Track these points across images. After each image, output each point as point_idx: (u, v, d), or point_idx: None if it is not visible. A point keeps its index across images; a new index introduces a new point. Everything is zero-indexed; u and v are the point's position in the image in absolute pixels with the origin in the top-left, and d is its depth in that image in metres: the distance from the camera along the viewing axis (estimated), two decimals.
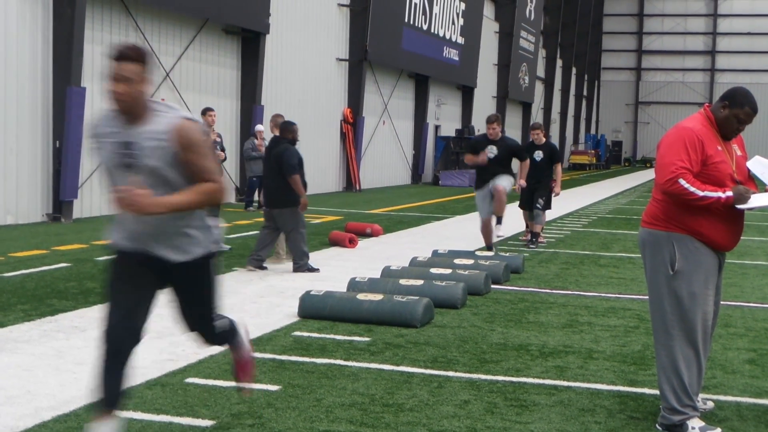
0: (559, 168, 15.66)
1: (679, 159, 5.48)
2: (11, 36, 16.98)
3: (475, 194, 14.38)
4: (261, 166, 21.44)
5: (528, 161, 14.88)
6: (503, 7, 52.42)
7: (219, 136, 13.86)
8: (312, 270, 12.01)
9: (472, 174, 39.14)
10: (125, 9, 20.13)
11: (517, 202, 15.98)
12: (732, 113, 5.61)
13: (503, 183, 13.71)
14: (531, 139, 15.76)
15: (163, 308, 9.21)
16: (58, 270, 11.57)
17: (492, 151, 13.76)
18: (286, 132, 12.06)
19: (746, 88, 5.72)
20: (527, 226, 16.16)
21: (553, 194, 15.62)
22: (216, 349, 7.42)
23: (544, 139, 15.63)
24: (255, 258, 12.12)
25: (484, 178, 13.96)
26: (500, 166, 13.84)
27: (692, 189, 5.43)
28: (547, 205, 15.57)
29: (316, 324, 8.55)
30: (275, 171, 11.86)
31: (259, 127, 22.11)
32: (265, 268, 12.10)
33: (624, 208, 26.91)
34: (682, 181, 5.43)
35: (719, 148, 5.60)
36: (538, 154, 15.44)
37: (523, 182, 15.22)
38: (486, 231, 14.22)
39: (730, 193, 5.45)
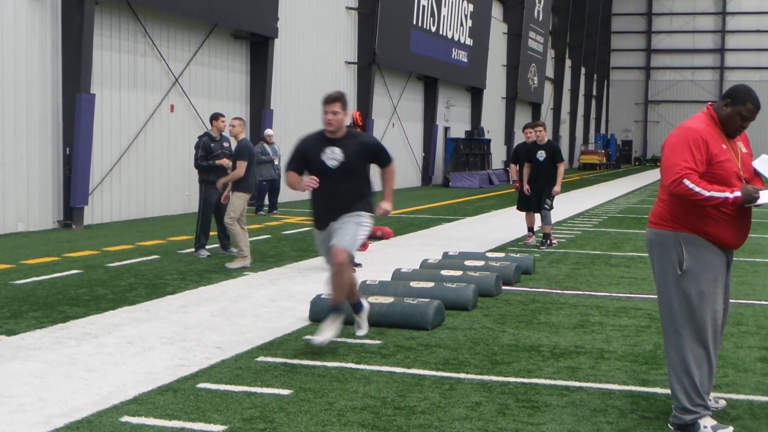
0: (561, 168, 15.39)
1: (684, 160, 5.47)
2: (20, 43, 17.04)
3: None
4: (271, 170, 21.59)
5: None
6: (511, 8, 52.38)
7: (228, 141, 13.85)
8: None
9: (482, 175, 39.32)
10: (134, 15, 20.19)
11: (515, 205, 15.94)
12: (735, 111, 5.60)
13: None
14: (531, 139, 15.35)
15: (173, 314, 9.27)
16: (69, 277, 11.60)
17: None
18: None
19: (748, 85, 5.72)
20: (529, 230, 16.03)
21: (552, 193, 15.31)
22: (227, 354, 7.45)
23: (546, 138, 15.34)
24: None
25: None
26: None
27: (698, 189, 5.42)
28: (552, 205, 15.58)
29: None
30: None
31: (268, 132, 22.15)
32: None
33: (634, 208, 26.86)
34: (687, 182, 5.42)
35: (724, 146, 5.59)
36: (541, 154, 15.20)
37: (527, 188, 15.27)
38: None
39: (738, 193, 5.44)
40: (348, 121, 7.94)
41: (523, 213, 15.96)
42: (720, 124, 5.64)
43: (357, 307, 8.22)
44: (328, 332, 7.59)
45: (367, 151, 8.08)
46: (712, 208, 5.50)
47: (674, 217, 5.63)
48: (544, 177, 15.26)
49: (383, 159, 8.21)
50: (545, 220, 15.43)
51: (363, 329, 8.26)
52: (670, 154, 5.54)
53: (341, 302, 7.83)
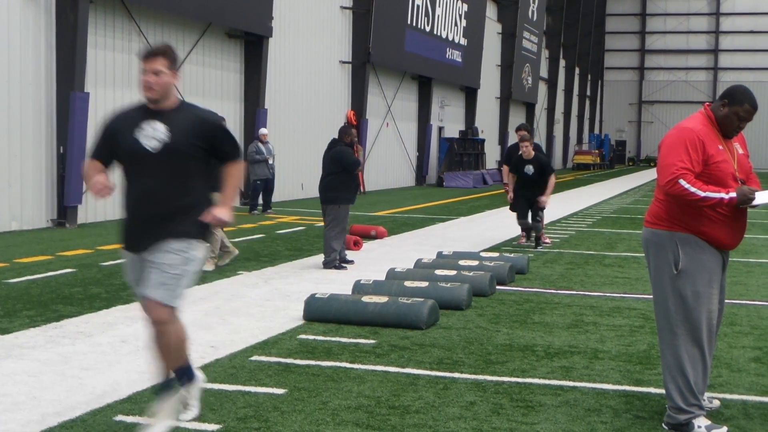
0: (552, 180, 15.20)
1: (680, 160, 5.48)
2: (14, 41, 17.01)
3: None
4: (265, 169, 21.58)
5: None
6: (506, 8, 52.40)
7: None
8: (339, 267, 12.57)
9: (476, 175, 39.34)
10: (128, 14, 20.16)
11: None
12: (732, 111, 5.61)
13: None
14: (519, 152, 15.23)
15: None
16: (63, 276, 11.58)
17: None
18: (344, 136, 12.96)
19: (745, 86, 5.72)
20: (522, 230, 15.93)
21: (539, 202, 15.13)
22: (221, 353, 7.44)
23: (533, 153, 15.08)
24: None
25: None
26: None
27: (693, 189, 5.42)
28: (542, 217, 15.62)
29: (322, 327, 8.56)
30: (330, 169, 12.70)
31: (263, 131, 22.13)
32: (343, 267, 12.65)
33: (628, 208, 26.89)
34: (683, 182, 5.43)
35: (720, 147, 5.60)
36: (529, 169, 15.06)
37: (510, 195, 15.34)
38: None
39: (733, 194, 5.44)
40: (175, 82, 5.20)
41: (519, 221, 15.76)
42: (717, 125, 5.65)
43: (184, 376, 5.56)
44: (163, 420, 5.33)
45: (205, 132, 5.44)
46: (708, 209, 5.51)
47: (671, 216, 5.64)
48: (532, 190, 15.13)
49: (226, 149, 5.56)
50: (537, 229, 15.44)
51: (193, 410, 5.67)
52: (667, 153, 5.55)
53: (171, 371, 5.48)
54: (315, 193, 14.91)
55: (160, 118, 5.33)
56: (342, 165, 12.60)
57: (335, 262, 12.63)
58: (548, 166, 15.36)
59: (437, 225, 20.17)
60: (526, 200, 15.23)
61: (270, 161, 21.59)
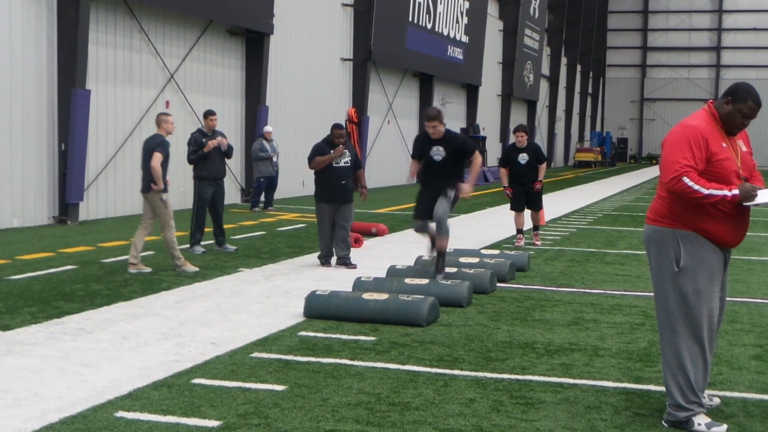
0: (543, 167, 15.33)
1: (684, 157, 5.47)
2: (16, 39, 17.01)
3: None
4: (269, 167, 21.57)
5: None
6: (507, 6, 52.36)
7: (220, 137, 13.77)
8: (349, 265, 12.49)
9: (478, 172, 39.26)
10: (129, 11, 20.15)
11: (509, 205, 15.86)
12: (735, 108, 5.60)
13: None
14: (512, 142, 15.52)
15: (168, 309, 9.26)
16: (64, 272, 11.58)
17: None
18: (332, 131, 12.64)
19: (749, 83, 5.71)
20: (518, 231, 15.66)
21: (534, 189, 15.24)
22: (222, 350, 7.45)
23: (526, 142, 15.29)
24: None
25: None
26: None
27: (697, 187, 5.42)
28: (540, 204, 15.62)
29: (322, 324, 8.56)
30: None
31: (267, 128, 22.13)
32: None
33: (629, 205, 26.88)
34: (687, 180, 5.43)
35: (724, 144, 5.59)
36: (523, 157, 15.20)
37: (509, 191, 15.31)
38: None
39: (736, 191, 5.44)
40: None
41: (514, 213, 15.65)
42: (721, 122, 5.65)
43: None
44: None
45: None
46: (710, 206, 5.51)
47: (673, 214, 5.64)
48: (527, 179, 15.25)
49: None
50: (539, 216, 15.60)
51: None
52: (670, 151, 5.55)
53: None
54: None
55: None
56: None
57: (324, 258, 12.63)
58: (542, 152, 15.51)
59: None
60: (523, 192, 15.25)
61: (274, 159, 21.59)
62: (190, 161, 13.79)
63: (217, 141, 13.66)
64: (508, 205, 16.03)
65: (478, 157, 11.30)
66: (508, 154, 15.46)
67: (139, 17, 20.49)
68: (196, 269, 11.83)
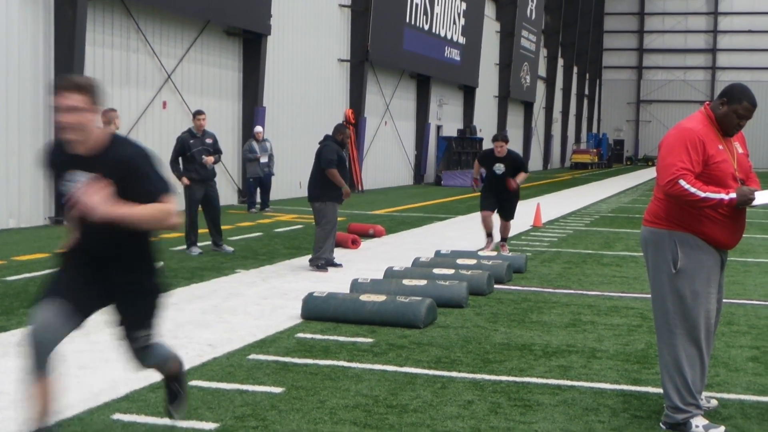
0: (522, 176, 14.48)
1: (680, 160, 5.47)
2: (12, 38, 16.99)
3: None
4: (257, 168, 21.57)
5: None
6: (504, 7, 52.41)
7: (212, 137, 13.71)
8: (321, 268, 12.33)
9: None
10: (126, 11, 20.13)
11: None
12: (731, 109, 5.61)
13: None
14: (491, 148, 14.44)
15: (165, 311, 9.23)
16: None
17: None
18: (337, 134, 12.65)
19: (744, 84, 5.73)
20: (488, 234, 14.76)
21: (509, 187, 14.32)
22: (219, 352, 7.43)
23: (505, 152, 14.29)
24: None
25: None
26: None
27: (693, 190, 5.42)
28: (512, 214, 14.84)
29: (319, 325, 8.55)
30: (316, 166, 12.51)
31: (257, 129, 22.13)
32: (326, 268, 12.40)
33: (626, 207, 26.90)
34: (683, 183, 5.43)
35: (720, 147, 5.59)
36: (499, 167, 14.33)
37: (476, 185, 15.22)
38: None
39: (733, 195, 5.44)
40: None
41: (484, 213, 14.83)
42: (717, 124, 5.65)
43: None
44: None
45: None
46: (707, 209, 5.51)
47: (669, 216, 5.64)
48: (500, 191, 14.45)
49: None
50: (507, 227, 14.81)
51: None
52: (667, 153, 5.54)
53: None
54: None
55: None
56: (319, 161, 12.45)
57: (318, 261, 12.35)
58: (521, 160, 14.73)
59: (435, 224, 20.16)
60: (496, 200, 14.58)
61: (264, 160, 21.57)
62: (170, 167, 13.57)
63: (212, 160, 13.58)
64: None
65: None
66: (485, 160, 14.71)
67: (137, 17, 20.47)
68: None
